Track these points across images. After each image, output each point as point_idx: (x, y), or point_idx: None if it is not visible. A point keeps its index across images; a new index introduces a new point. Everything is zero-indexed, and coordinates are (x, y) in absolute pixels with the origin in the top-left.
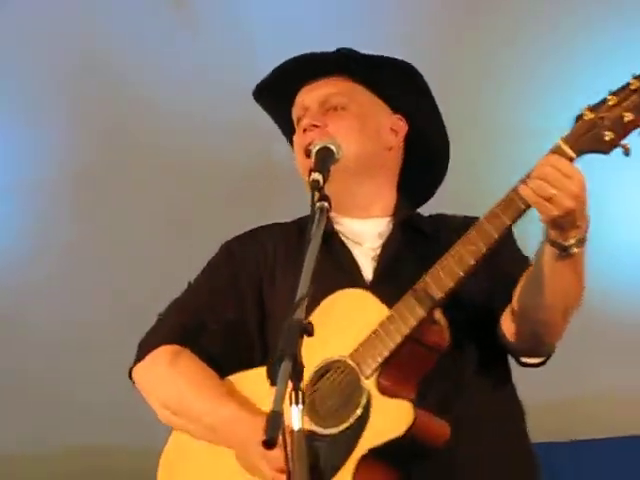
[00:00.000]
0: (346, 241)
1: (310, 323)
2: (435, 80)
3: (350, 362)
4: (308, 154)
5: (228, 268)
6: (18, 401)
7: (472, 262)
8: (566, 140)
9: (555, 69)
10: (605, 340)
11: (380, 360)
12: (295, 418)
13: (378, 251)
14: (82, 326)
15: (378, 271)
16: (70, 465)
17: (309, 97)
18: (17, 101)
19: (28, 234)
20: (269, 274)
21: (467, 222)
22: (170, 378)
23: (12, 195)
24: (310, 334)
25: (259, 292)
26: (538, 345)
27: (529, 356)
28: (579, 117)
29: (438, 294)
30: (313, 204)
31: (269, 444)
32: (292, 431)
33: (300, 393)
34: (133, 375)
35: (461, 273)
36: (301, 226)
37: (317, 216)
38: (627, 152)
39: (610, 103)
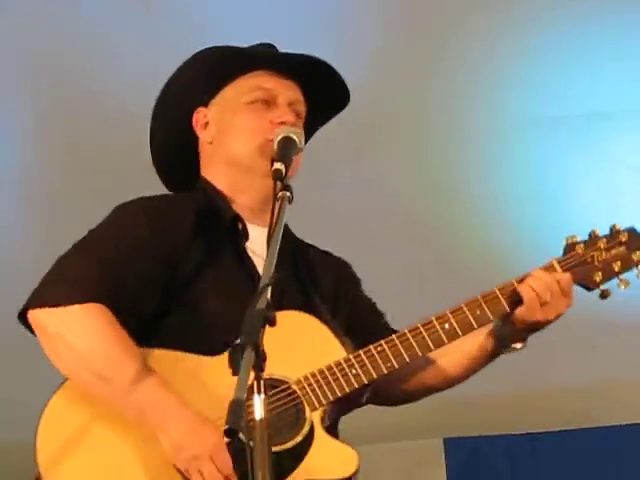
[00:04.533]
0: (253, 257)
1: (273, 312)
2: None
3: (296, 388)
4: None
5: (147, 228)
6: None
7: (446, 342)
8: (560, 264)
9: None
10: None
11: (332, 398)
12: (258, 407)
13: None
14: None
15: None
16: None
17: (282, 91)
18: None
19: None
20: (184, 246)
21: (331, 259)
22: (98, 338)
23: None
24: (272, 324)
25: (174, 258)
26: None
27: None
28: (571, 247)
29: (404, 356)
30: (275, 194)
31: (232, 433)
32: (254, 420)
33: (262, 382)
34: (39, 317)
35: (432, 348)
36: (202, 205)
37: (279, 206)
38: (605, 296)
39: (600, 245)
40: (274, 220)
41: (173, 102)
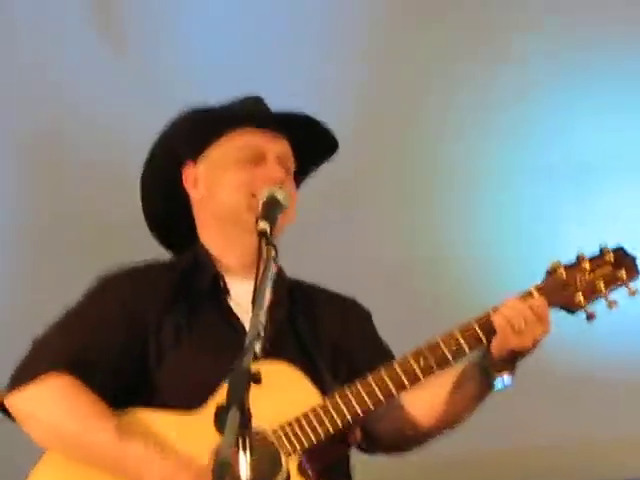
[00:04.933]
0: (234, 306)
1: (258, 372)
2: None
3: (271, 437)
4: (253, 196)
5: (119, 305)
6: None
7: (421, 377)
8: (538, 290)
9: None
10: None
11: (307, 445)
12: (243, 466)
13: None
14: None
15: (267, 338)
16: None
17: (270, 147)
18: None
19: None
20: (156, 321)
21: (338, 303)
22: (67, 407)
23: None
24: (258, 382)
25: (145, 336)
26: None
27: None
28: (552, 271)
29: (379, 396)
30: (260, 252)
31: None
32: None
33: (248, 441)
34: (11, 403)
35: (407, 386)
36: (180, 266)
37: (264, 264)
38: (590, 318)
39: (584, 266)
40: (258, 279)
41: (162, 160)
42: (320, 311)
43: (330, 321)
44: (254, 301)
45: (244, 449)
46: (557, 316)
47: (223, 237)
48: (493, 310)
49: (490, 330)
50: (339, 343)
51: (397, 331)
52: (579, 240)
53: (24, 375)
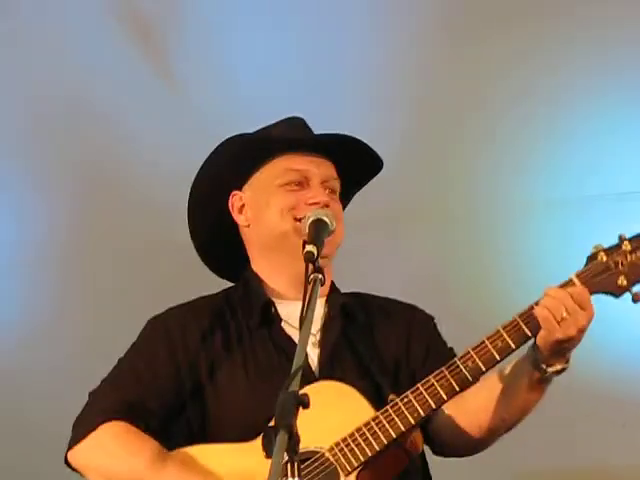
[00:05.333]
0: (286, 327)
1: (306, 395)
2: None
3: (328, 455)
4: (299, 220)
5: (166, 347)
6: None
7: (471, 380)
8: (579, 277)
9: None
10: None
11: (363, 459)
12: None
13: (318, 336)
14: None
15: (322, 360)
16: None
17: (314, 170)
18: None
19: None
20: (207, 357)
21: (398, 309)
22: (120, 454)
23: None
24: (306, 406)
25: (197, 375)
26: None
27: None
28: (592, 257)
29: (430, 407)
30: (307, 276)
31: None
32: None
33: (296, 465)
34: (72, 458)
35: (457, 389)
36: (229, 298)
37: (311, 288)
38: (636, 300)
39: (625, 249)
40: (306, 303)
41: (208, 189)
42: (380, 322)
43: (392, 332)
44: (301, 326)
45: (292, 474)
46: None
47: (271, 262)
48: (535, 304)
49: (535, 324)
50: (403, 355)
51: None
52: None
53: (80, 430)
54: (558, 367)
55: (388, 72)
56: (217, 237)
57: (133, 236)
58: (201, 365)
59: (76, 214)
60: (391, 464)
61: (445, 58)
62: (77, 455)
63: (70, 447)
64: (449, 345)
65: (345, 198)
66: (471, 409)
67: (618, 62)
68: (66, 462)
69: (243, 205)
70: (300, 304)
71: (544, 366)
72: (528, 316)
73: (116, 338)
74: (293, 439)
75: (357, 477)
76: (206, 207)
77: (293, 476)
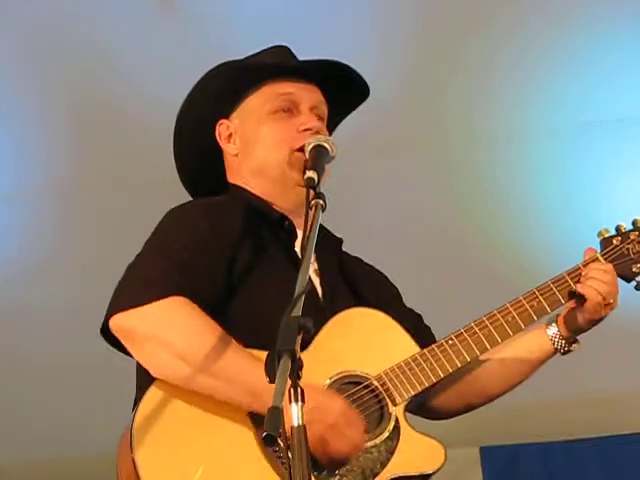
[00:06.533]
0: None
1: (309, 320)
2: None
3: (376, 383)
4: (300, 149)
5: (207, 226)
6: None
7: (511, 334)
8: (604, 258)
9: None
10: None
11: (413, 393)
12: (295, 414)
13: (315, 265)
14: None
15: (325, 288)
16: None
17: (304, 97)
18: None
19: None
20: (238, 245)
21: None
22: (197, 328)
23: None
24: (308, 331)
25: (228, 264)
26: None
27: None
28: (608, 241)
29: (475, 353)
30: (308, 202)
31: (270, 440)
32: (292, 427)
33: (299, 390)
34: (127, 321)
35: (499, 340)
36: (249, 205)
37: (313, 214)
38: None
39: (632, 238)
40: (308, 228)
41: (194, 115)
42: (357, 265)
43: (367, 284)
44: (303, 251)
45: (295, 398)
46: None
47: (264, 190)
48: (569, 274)
49: (571, 296)
50: (378, 294)
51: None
52: (624, 196)
53: (133, 295)
54: (576, 346)
55: (389, 5)
56: (202, 164)
57: (133, 168)
58: (234, 249)
59: (76, 148)
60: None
61: None
62: (139, 320)
63: (116, 311)
64: None
65: (329, 127)
66: (480, 378)
67: None
68: (104, 329)
69: (231, 134)
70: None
71: (568, 346)
72: (569, 290)
73: (117, 272)
74: (296, 364)
75: (404, 408)
76: (191, 132)
77: (297, 401)
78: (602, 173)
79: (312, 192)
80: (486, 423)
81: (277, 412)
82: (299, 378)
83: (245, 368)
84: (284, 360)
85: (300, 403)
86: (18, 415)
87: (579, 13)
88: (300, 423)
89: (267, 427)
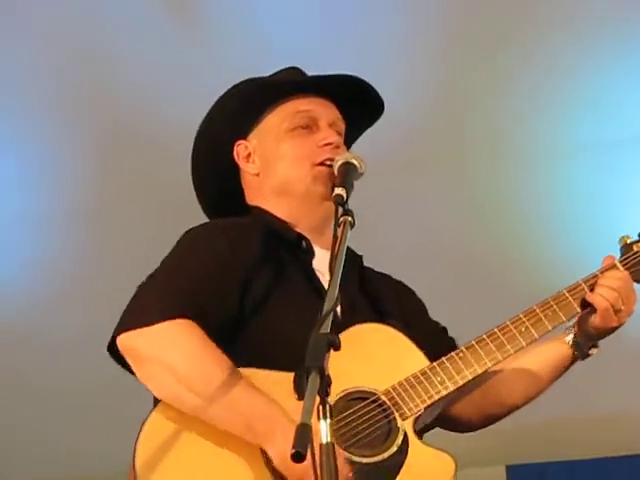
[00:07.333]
0: (319, 275)
1: (337, 337)
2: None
3: (384, 398)
4: (326, 164)
5: (227, 246)
6: None
7: (524, 345)
8: (622, 264)
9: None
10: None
11: (422, 407)
12: (324, 432)
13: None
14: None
15: (345, 305)
16: None
17: (322, 113)
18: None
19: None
20: (256, 267)
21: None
22: (198, 353)
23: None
24: (337, 348)
25: (243, 286)
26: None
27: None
28: (628, 247)
29: (486, 363)
30: (337, 219)
31: (298, 457)
32: (321, 444)
33: (328, 407)
34: (131, 341)
35: (512, 352)
36: (270, 225)
37: (342, 231)
38: None
39: None
40: (337, 245)
41: (211, 136)
42: (377, 280)
43: (389, 298)
44: (332, 268)
45: (324, 415)
46: None
47: (288, 209)
48: (585, 282)
49: (584, 304)
50: (400, 310)
51: (464, 302)
52: None
53: (140, 315)
54: (594, 351)
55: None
56: (217, 182)
57: (159, 187)
58: (251, 271)
59: (102, 165)
60: (430, 417)
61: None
62: (143, 341)
63: (123, 330)
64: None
65: (346, 144)
66: (498, 388)
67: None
68: (111, 347)
69: (249, 154)
70: (321, 251)
71: (586, 350)
72: (581, 297)
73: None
74: (324, 380)
75: (415, 422)
76: (210, 155)
77: (325, 418)
78: (629, 191)
79: (340, 209)
80: (512, 441)
81: (306, 429)
82: (327, 395)
83: (238, 401)
84: (313, 377)
85: (329, 420)
86: (29, 438)
87: (607, 30)
88: (329, 440)
89: (296, 444)
